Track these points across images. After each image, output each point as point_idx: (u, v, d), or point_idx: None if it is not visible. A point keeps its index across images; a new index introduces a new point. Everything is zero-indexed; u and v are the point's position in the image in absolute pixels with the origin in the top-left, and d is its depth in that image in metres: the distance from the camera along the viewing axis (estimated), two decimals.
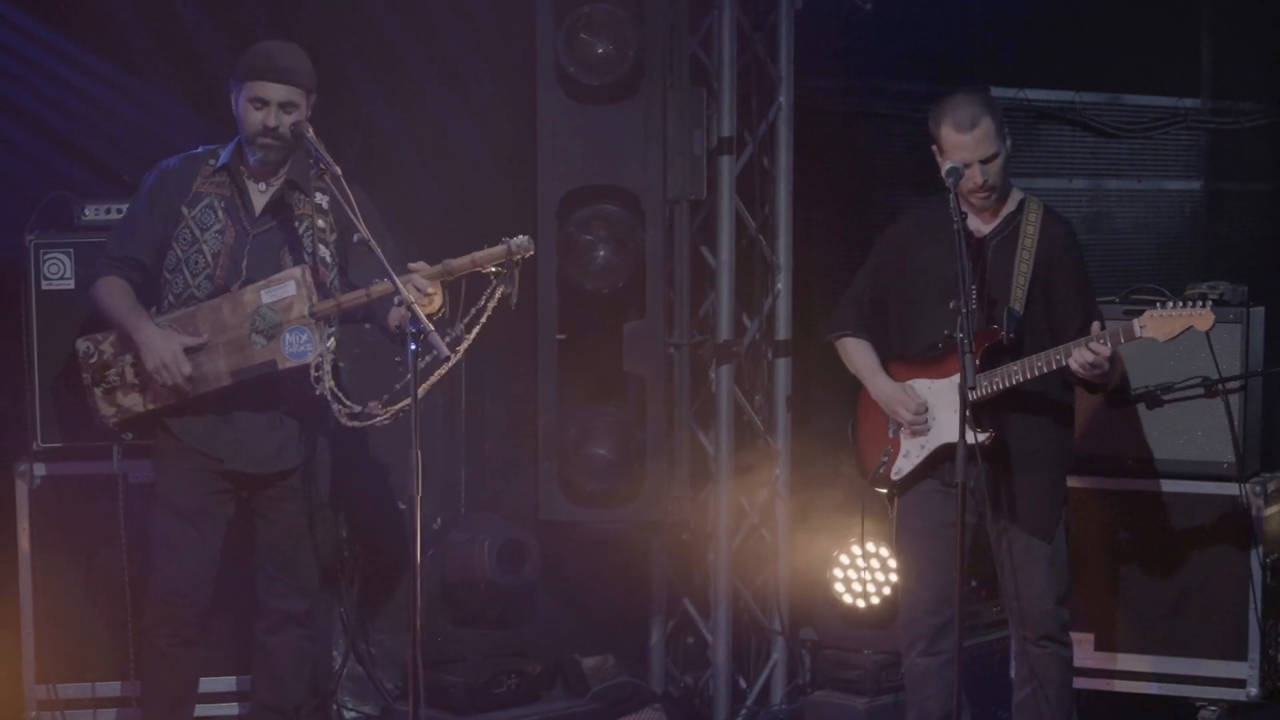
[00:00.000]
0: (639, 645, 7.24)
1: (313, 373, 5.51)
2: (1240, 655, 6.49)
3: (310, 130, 5.50)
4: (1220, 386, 6.48)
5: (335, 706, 6.78)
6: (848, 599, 6.88)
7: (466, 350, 5.41)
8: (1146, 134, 8.91)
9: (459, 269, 5.41)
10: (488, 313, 5.39)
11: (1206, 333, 5.72)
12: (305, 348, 5.52)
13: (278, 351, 5.53)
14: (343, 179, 5.39)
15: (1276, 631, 6.55)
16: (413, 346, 5.02)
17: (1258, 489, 6.50)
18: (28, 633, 6.15)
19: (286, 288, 5.53)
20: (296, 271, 5.54)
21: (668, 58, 6.66)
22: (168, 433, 5.66)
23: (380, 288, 5.45)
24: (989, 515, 5.61)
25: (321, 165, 5.40)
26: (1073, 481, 6.22)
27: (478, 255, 5.41)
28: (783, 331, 7.16)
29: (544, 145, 6.64)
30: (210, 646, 5.91)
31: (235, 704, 6.25)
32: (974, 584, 6.83)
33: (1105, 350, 5.45)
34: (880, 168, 7.86)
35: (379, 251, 5.25)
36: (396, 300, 5.21)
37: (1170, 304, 5.48)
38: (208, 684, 6.02)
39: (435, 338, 5.07)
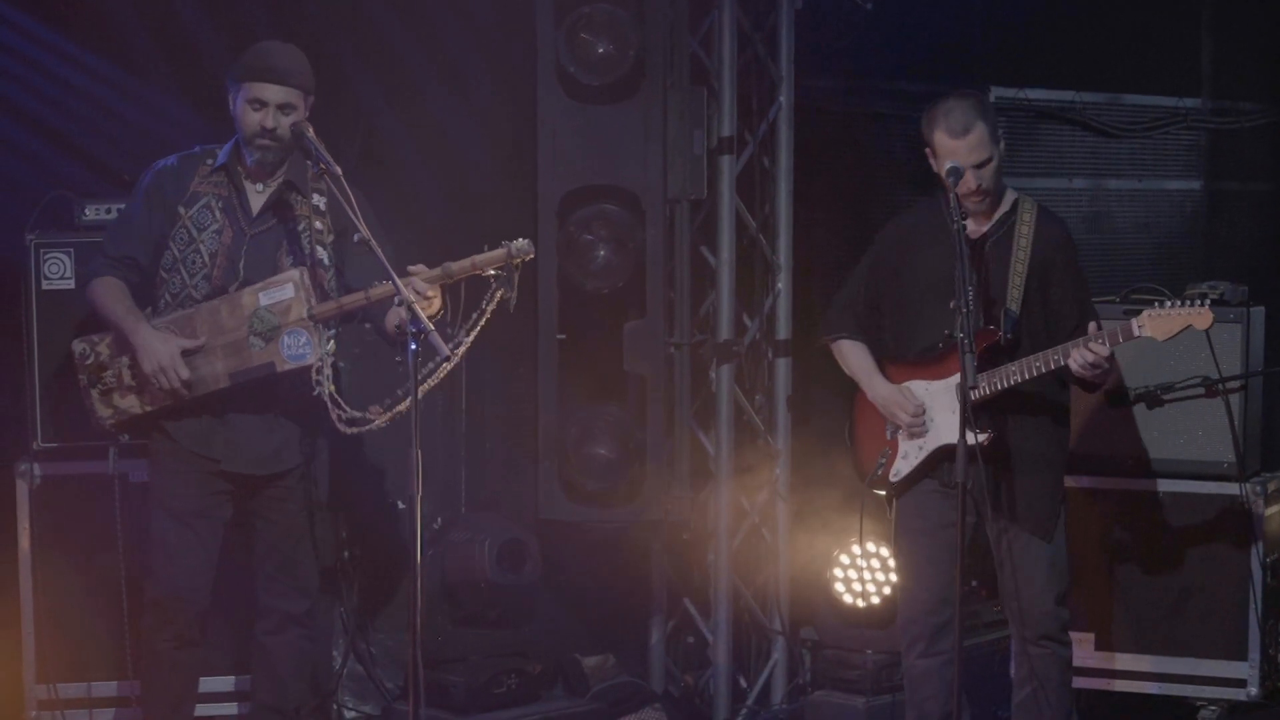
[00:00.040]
0: (639, 645, 7.24)
1: (314, 376, 5.50)
2: (1240, 655, 6.49)
3: (310, 130, 5.49)
4: (1221, 386, 6.48)
5: (335, 706, 6.78)
6: (848, 599, 6.88)
7: (466, 351, 5.40)
8: (1147, 134, 8.91)
9: (459, 272, 5.40)
10: (487, 315, 5.38)
11: (1207, 332, 5.73)
12: (304, 350, 5.51)
13: (276, 354, 5.52)
14: (343, 179, 5.38)
15: (1277, 631, 6.55)
16: (413, 346, 5.02)
17: (1258, 489, 6.50)
18: (28, 633, 6.15)
19: (285, 290, 5.52)
20: (295, 274, 5.53)
21: (668, 57, 6.66)
22: (164, 435, 5.65)
23: (380, 290, 5.44)
24: (988, 515, 5.61)
25: (322, 165, 5.40)
26: (1072, 481, 6.23)
27: (478, 258, 5.40)
28: (783, 331, 7.16)
29: (544, 145, 6.64)
30: (209, 646, 5.90)
31: (234, 704, 6.25)
32: (974, 584, 6.83)
33: (1104, 350, 5.46)
34: (880, 167, 7.86)
35: (379, 251, 5.24)
36: (397, 300, 5.20)
37: (1169, 303, 5.48)
38: (207, 684, 6.02)
39: (436, 338, 5.06)
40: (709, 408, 7.08)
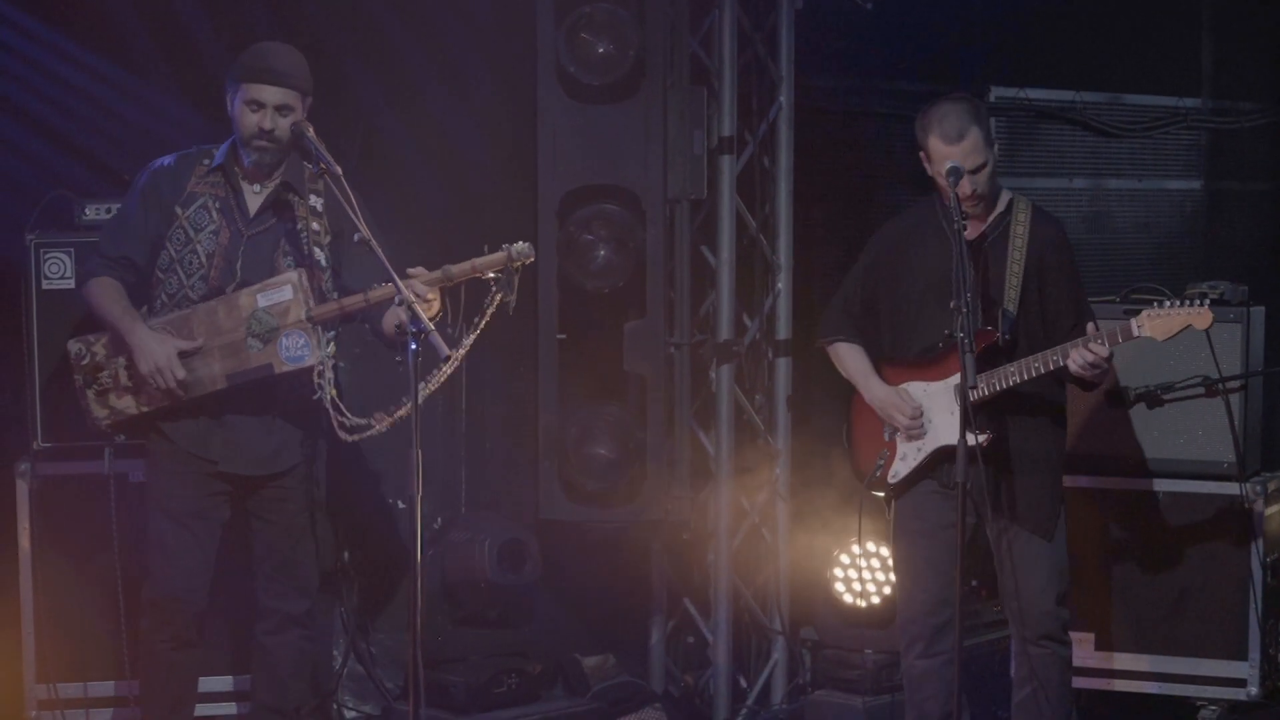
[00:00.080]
0: (639, 645, 7.24)
1: (315, 379, 5.49)
2: (1241, 655, 6.50)
3: (311, 130, 5.48)
4: (1221, 386, 6.48)
5: (336, 706, 6.78)
6: (848, 598, 6.88)
7: (466, 352, 5.39)
8: (1147, 134, 8.91)
9: (458, 275, 5.38)
10: (486, 318, 5.38)
11: (1207, 332, 5.73)
12: (302, 352, 5.50)
13: (274, 356, 5.51)
14: (343, 179, 5.37)
15: (1277, 631, 6.55)
16: (413, 346, 5.02)
17: (1258, 488, 6.50)
18: (28, 632, 6.15)
19: (283, 292, 5.50)
20: (294, 276, 5.51)
21: (668, 57, 6.66)
22: (161, 436, 5.63)
23: (379, 292, 5.43)
24: (988, 516, 5.61)
25: (322, 165, 5.39)
26: (1072, 481, 6.23)
27: (478, 261, 5.39)
28: (783, 331, 7.17)
29: (544, 145, 6.64)
30: (207, 647, 5.90)
31: (233, 704, 6.25)
32: (974, 584, 6.83)
33: (1104, 351, 5.46)
34: (881, 167, 7.86)
35: (379, 251, 5.23)
36: (397, 300, 5.19)
37: (1168, 303, 5.49)
38: (205, 684, 6.00)
39: (436, 337, 5.05)
40: (709, 408, 7.08)
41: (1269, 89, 9.25)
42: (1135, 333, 5.48)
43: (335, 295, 5.60)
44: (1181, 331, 5.49)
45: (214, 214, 5.61)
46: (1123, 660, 6.60)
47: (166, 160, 5.68)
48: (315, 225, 5.56)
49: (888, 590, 6.73)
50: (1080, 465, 6.48)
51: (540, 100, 6.62)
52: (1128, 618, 6.60)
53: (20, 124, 6.53)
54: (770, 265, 7.18)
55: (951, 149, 5.53)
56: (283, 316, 5.50)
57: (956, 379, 5.46)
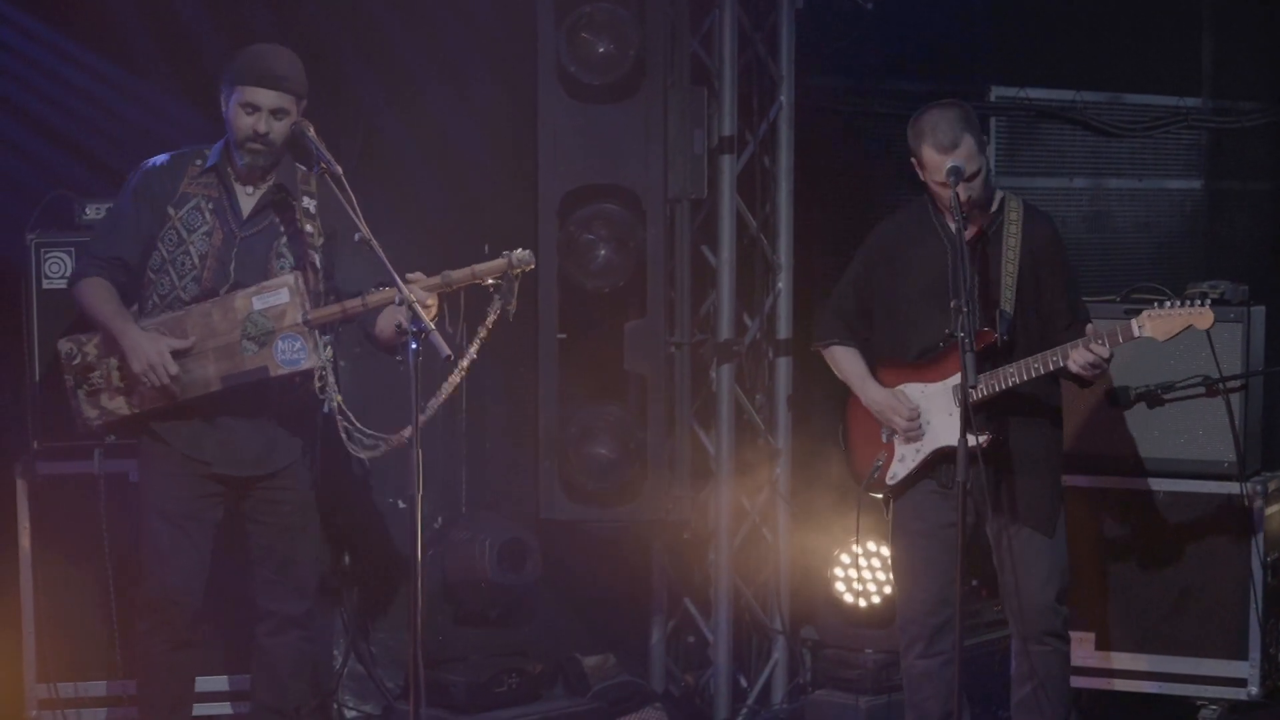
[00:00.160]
0: (640, 644, 7.24)
1: (316, 383, 5.48)
2: (1241, 654, 6.49)
3: (312, 129, 5.47)
4: (1221, 385, 6.48)
5: (336, 705, 6.78)
6: (849, 598, 6.89)
7: (470, 363, 5.38)
8: (1147, 133, 8.91)
9: (458, 281, 5.37)
10: (489, 328, 5.36)
11: (1207, 332, 5.73)
12: (298, 355, 5.48)
13: (269, 358, 5.49)
14: (344, 179, 5.36)
15: (1277, 630, 6.55)
16: (414, 346, 5.02)
17: (1258, 488, 6.50)
18: (28, 632, 6.14)
19: (279, 295, 5.48)
20: (290, 279, 5.49)
21: (669, 57, 6.66)
22: (155, 438, 5.61)
23: (378, 296, 5.41)
24: (988, 515, 5.61)
25: (323, 165, 5.38)
26: (1072, 481, 6.23)
27: (477, 267, 5.37)
28: (784, 331, 7.17)
29: (545, 145, 6.64)
30: (204, 646, 5.88)
31: (228, 703, 6.24)
32: (975, 583, 6.82)
33: (1105, 351, 5.46)
34: (881, 166, 7.85)
35: (379, 251, 5.23)
36: (398, 300, 5.18)
37: (1169, 303, 5.49)
38: (201, 683, 5.97)
39: (437, 337, 5.04)
40: (709, 407, 7.08)
41: (1269, 89, 9.25)
42: (1136, 333, 5.48)
43: (331, 298, 5.58)
44: (1182, 332, 5.49)
45: (207, 215, 5.59)
46: (1122, 660, 6.60)
47: (159, 160, 5.66)
48: (309, 227, 5.54)
49: (888, 590, 6.73)
50: (1080, 465, 6.47)
51: (540, 100, 6.63)
52: (1127, 617, 6.59)
53: (20, 124, 6.52)
54: (771, 265, 7.18)
55: (945, 158, 5.52)
56: (279, 319, 5.48)
57: (955, 380, 5.46)
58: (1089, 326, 5.55)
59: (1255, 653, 6.47)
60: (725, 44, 6.91)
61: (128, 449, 5.88)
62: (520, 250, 5.36)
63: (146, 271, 5.60)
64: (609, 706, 6.91)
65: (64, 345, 5.61)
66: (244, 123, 5.50)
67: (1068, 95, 8.58)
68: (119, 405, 5.58)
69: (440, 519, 7.13)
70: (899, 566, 5.85)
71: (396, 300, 5.19)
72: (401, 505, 6.86)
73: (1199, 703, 6.57)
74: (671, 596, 7.26)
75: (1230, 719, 6.56)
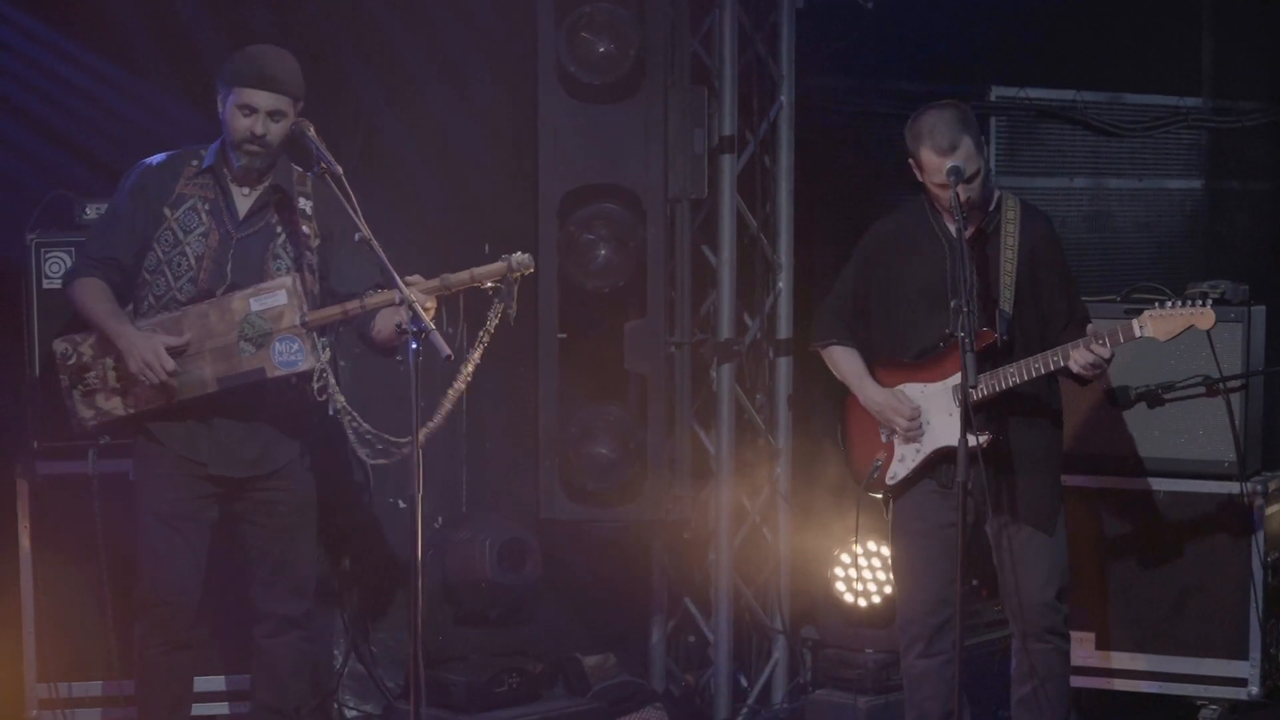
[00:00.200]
0: (640, 644, 7.24)
1: (315, 384, 5.47)
2: (1241, 654, 6.49)
3: (312, 129, 5.46)
4: (1221, 385, 6.48)
5: (336, 705, 6.78)
6: (849, 598, 6.89)
7: (466, 354, 5.38)
8: (1147, 133, 8.91)
9: (457, 284, 5.34)
10: (490, 333, 5.35)
11: (1207, 332, 5.73)
12: (295, 357, 5.47)
13: (267, 360, 5.48)
14: (344, 179, 5.36)
15: (1277, 630, 6.55)
16: (414, 346, 5.01)
17: (1258, 488, 6.50)
18: (29, 632, 6.14)
19: (277, 296, 5.47)
20: (288, 280, 5.48)
21: (669, 56, 6.66)
22: (150, 438, 5.60)
23: (376, 298, 5.40)
24: (988, 515, 5.61)
25: (323, 164, 5.37)
26: (1072, 481, 6.23)
27: (476, 271, 5.35)
28: (784, 330, 7.17)
29: (545, 144, 6.64)
30: (201, 646, 5.87)
31: (226, 703, 6.23)
32: (975, 583, 6.82)
33: (1106, 352, 5.46)
34: (881, 166, 7.84)
35: (379, 251, 5.22)
36: (398, 299, 5.17)
37: (1170, 303, 5.49)
38: (199, 683, 5.96)
39: (437, 337, 5.03)
40: (710, 407, 7.08)
41: (1269, 88, 9.25)
42: (1137, 333, 5.48)
43: (326, 300, 5.57)
44: (1184, 332, 5.49)
45: (203, 216, 5.57)
46: (1122, 660, 6.59)
47: (154, 160, 5.64)
48: (305, 228, 5.53)
49: (888, 590, 6.73)
50: (1080, 464, 6.47)
51: (540, 100, 6.62)
52: (1127, 617, 6.59)
53: (20, 124, 6.53)
54: (771, 264, 7.18)
55: (944, 160, 5.52)
56: (276, 321, 5.47)
57: (955, 380, 5.46)
58: (1089, 326, 5.55)
59: (1255, 653, 6.47)
60: (725, 44, 6.91)
61: (127, 448, 5.87)
62: (520, 254, 5.33)
63: (142, 272, 5.59)
64: (609, 706, 6.90)
65: (59, 345, 5.60)
66: (240, 124, 5.49)
67: (1068, 95, 8.58)
68: (114, 406, 5.57)
69: (440, 519, 7.13)
70: (899, 566, 5.85)
71: (397, 300, 5.18)
72: (402, 505, 6.86)
73: (1199, 703, 6.57)
74: (672, 596, 7.26)
75: (1230, 719, 6.56)
